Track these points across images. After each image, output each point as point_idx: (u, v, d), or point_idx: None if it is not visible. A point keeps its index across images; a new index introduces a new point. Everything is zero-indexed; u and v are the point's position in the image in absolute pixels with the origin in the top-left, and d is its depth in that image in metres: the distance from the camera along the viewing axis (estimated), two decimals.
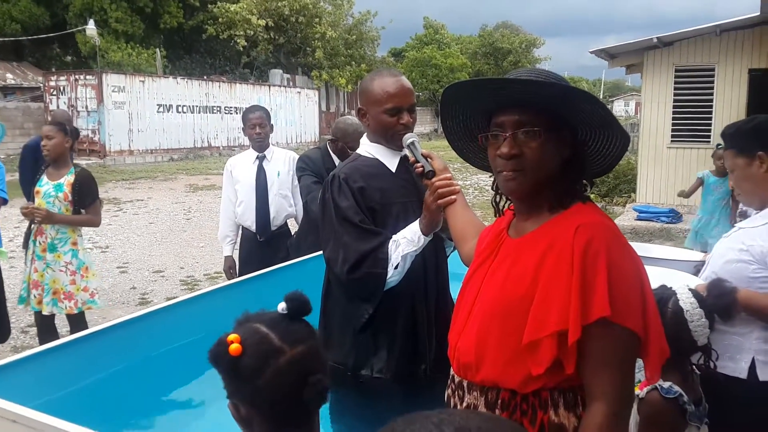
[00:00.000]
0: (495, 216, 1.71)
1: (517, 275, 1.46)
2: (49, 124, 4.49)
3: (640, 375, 1.82)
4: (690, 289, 2.08)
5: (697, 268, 2.87)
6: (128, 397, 2.65)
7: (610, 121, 1.45)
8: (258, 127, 4.60)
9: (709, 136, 10.57)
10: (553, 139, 1.45)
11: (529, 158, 1.44)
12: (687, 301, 2.04)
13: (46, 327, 4.48)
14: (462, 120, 1.65)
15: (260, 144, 4.65)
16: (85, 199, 4.44)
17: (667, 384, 1.98)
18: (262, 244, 4.64)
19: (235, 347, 1.25)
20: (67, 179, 4.39)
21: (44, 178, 4.43)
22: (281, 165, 4.71)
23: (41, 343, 4.25)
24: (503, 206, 1.66)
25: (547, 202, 1.49)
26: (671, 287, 2.09)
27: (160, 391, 2.78)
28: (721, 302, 2.08)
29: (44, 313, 4.41)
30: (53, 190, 4.37)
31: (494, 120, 1.50)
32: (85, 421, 1.81)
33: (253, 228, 4.64)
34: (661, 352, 1.41)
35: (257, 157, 4.67)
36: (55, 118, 7.03)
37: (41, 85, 23.74)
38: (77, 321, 4.46)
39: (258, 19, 31.59)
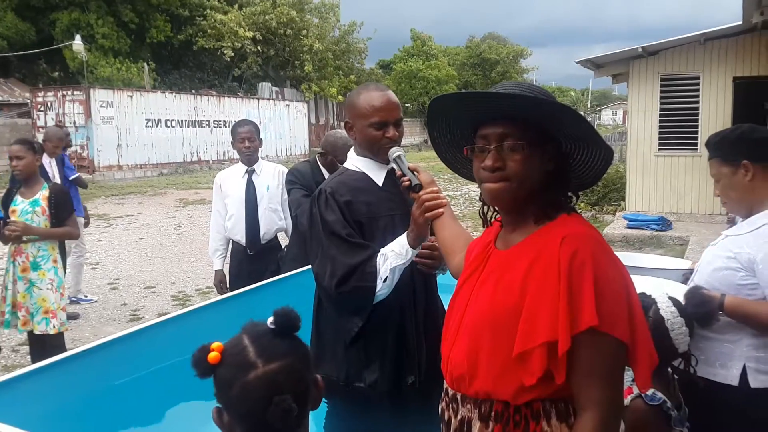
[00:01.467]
0: (483, 227, 1.73)
1: (505, 287, 1.47)
2: (16, 142, 4.44)
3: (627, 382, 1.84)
4: (669, 297, 2.11)
5: (685, 277, 2.90)
6: (120, 414, 2.64)
7: (592, 135, 1.47)
8: (247, 141, 4.61)
9: (696, 144, 10.66)
10: (537, 152, 1.47)
11: (513, 171, 1.46)
12: (667, 310, 2.07)
13: (39, 345, 4.45)
14: (448, 132, 1.68)
15: (249, 158, 4.66)
16: (63, 211, 4.45)
17: (650, 391, 2.00)
18: (252, 258, 4.64)
19: (213, 356, 1.26)
20: (42, 194, 4.40)
21: (18, 198, 4.41)
22: (270, 179, 4.72)
23: (33, 361, 4.23)
24: (491, 217, 1.68)
25: (533, 213, 1.51)
26: (650, 295, 2.12)
27: (153, 408, 2.77)
28: (701, 310, 2.11)
29: (36, 332, 4.38)
30: (30, 206, 4.36)
31: (479, 132, 1.52)
32: None
33: (243, 242, 4.64)
34: (650, 359, 1.43)
35: (246, 171, 4.68)
36: (48, 135, 7.01)
37: (29, 101, 23.65)
38: (59, 340, 4.44)
39: (246, 31, 31.68)
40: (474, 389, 1.49)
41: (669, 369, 2.13)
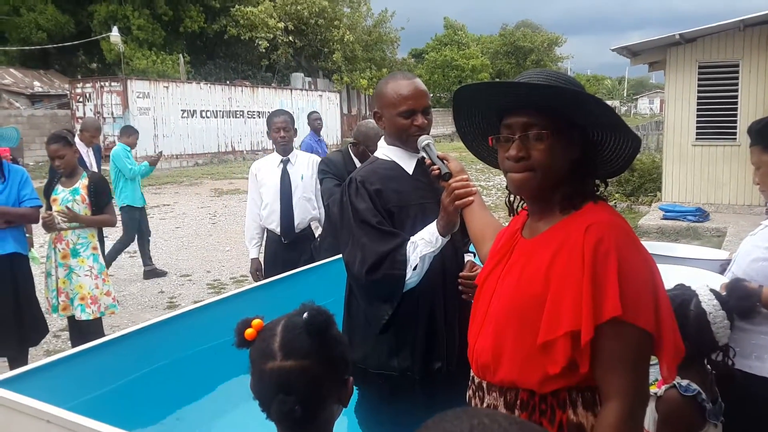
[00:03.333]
0: (509, 215, 1.73)
1: (530, 275, 1.47)
2: (51, 141, 4.52)
3: (657, 373, 1.83)
4: (711, 290, 2.08)
5: (722, 267, 2.85)
6: (158, 398, 2.71)
7: (618, 122, 1.46)
8: (282, 131, 4.66)
9: (734, 133, 10.42)
10: (562, 141, 1.47)
11: (537, 160, 1.46)
12: (710, 304, 2.04)
13: (78, 331, 4.58)
14: (474, 121, 1.68)
15: (284, 147, 4.71)
16: (102, 199, 4.60)
17: (685, 382, 1.98)
18: (286, 247, 4.70)
19: (249, 332, 1.29)
20: (82, 183, 4.54)
21: (59, 187, 4.55)
22: (305, 168, 4.76)
23: (73, 346, 4.35)
24: (518, 206, 1.68)
25: (559, 202, 1.51)
26: (691, 287, 2.09)
27: (189, 393, 2.83)
28: (744, 303, 2.07)
29: (77, 318, 4.51)
30: (70, 195, 4.50)
31: (504, 122, 1.52)
32: (116, 421, 1.86)
33: (278, 230, 4.70)
34: (675, 350, 1.42)
35: (281, 161, 4.73)
36: (85, 126, 7.20)
37: (68, 92, 24.13)
38: (96, 326, 4.55)
39: (277, 21, 31.81)
40: (499, 378, 1.50)
41: (705, 361, 2.10)
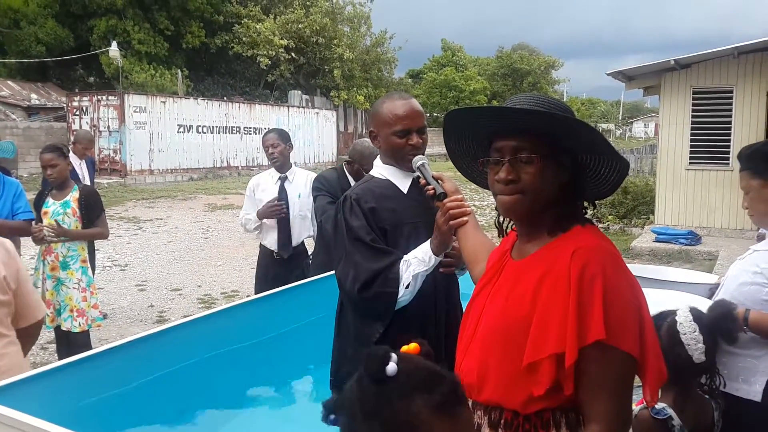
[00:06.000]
0: (499, 237, 1.74)
1: (518, 297, 1.48)
2: (46, 150, 4.54)
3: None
4: (690, 308, 2.09)
5: (711, 291, 2.86)
6: (146, 412, 2.69)
7: (606, 147, 1.48)
8: (270, 147, 4.71)
9: (728, 159, 10.50)
10: (552, 165, 1.48)
11: (526, 183, 1.47)
12: (682, 315, 2.05)
13: (65, 343, 4.55)
14: (465, 143, 1.69)
15: (276, 164, 4.75)
16: (93, 212, 4.58)
17: (660, 405, 1.98)
18: (279, 263, 4.70)
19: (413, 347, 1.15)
20: (73, 196, 4.53)
21: (49, 200, 4.54)
22: (302, 186, 4.78)
23: (60, 358, 4.31)
24: (507, 227, 1.69)
25: (547, 225, 1.52)
26: (673, 309, 2.11)
27: (178, 406, 2.81)
28: (722, 322, 2.08)
29: (63, 329, 4.48)
30: (61, 207, 4.48)
31: (494, 145, 1.54)
32: None
33: (275, 248, 4.69)
34: (659, 374, 1.43)
35: (279, 178, 4.74)
36: (78, 138, 7.19)
37: (65, 105, 24.19)
38: (84, 338, 4.52)
39: (280, 39, 32.04)
40: (484, 397, 1.50)
41: (692, 386, 2.10)
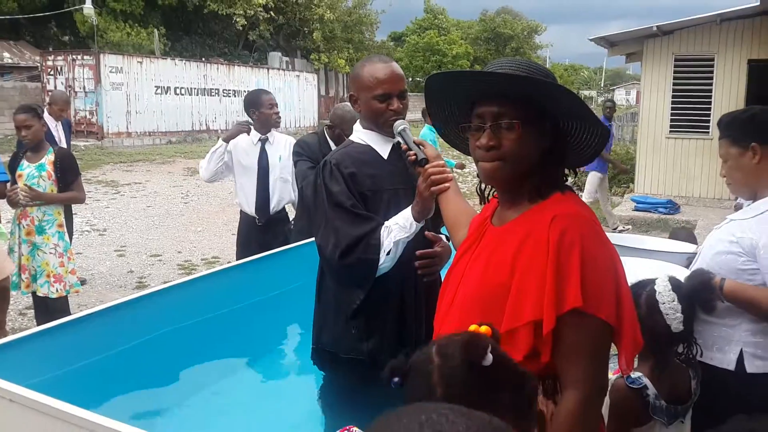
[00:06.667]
0: (480, 203, 1.73)
1: (497, 264, 1.49)
2: (20, 111, 4.44)
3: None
4: (669, 278, 2.11)
5: (689, 260, 2.90)
6: (124, 378, 2.68)
7: (586, 113, 1.48)
8: (275, 107, 4.64)
9: (708, 127, 10.56)
10: (533, 131, 1.47)
11: (507, 150, 1.47)
12: (661, 285, 2.07)
13: (44, 309, 4.51)
14: (446, 108, 1.68)
15: (278, 123, 4.71)
16: (68, 175, 4.49)
17: (636, 374, 2.01)
18: (261, 228, 4.65)
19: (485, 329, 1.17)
20: (48, 158, 4.44)
21: (24, 162, 4.44)
22: (282, 149, 4.71)
23: (39, 324, 4.28)
24: (488, 194, 1.69)
25: (527, 191, 1.52)
26: (652, 278, 2.12)
27: (156, 373, 2.81)
28: (700, 292, 2.10)
29: (39, 294, 4.44)
30: (36, 170, 4.39)
31: (475, 111, 1.52)
32: (81, 401, 1.84)
33: (252, 212, 4.64)
34: (634, 343, 1.45)
35: (260, 140, 4.66)
36: (53, 99, 7.03)
37: (38, 64, 23.60)
38: (62, 304, 4.48)
39: None
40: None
41: (669, 356, 2.13)
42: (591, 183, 9.39)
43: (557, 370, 1.43)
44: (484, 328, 1.15)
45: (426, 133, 7.13)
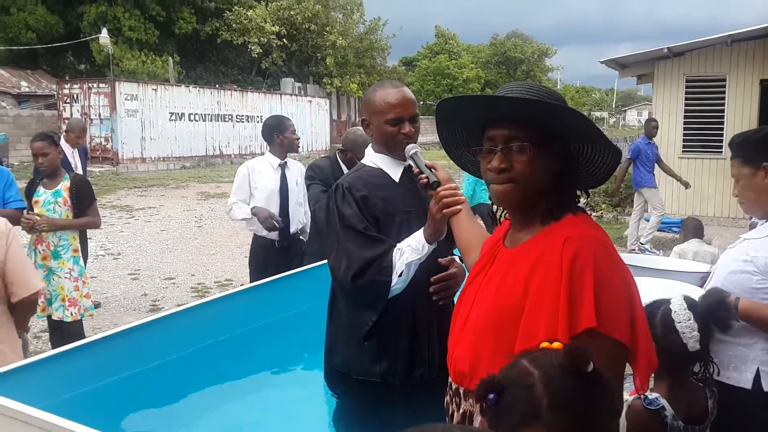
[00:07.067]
0: (492, 225, 1.74)
1: (510, 286, 1.49)
2: (37, 138, 4.51)
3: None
4: (684, 297, 2.10)
5: (703, 280, 2.88)
6: (138, 401, 2.69)
7: (597, 135, 1.48)
8: (296, 132, 4.75)
9: (720, 147, 10.54)
10: (544, 153, 1.48)
11: (519, 172, 1.48)
12: (676, 304, 2.06)
13: (58, 332, 4.54)
14: (457, 131, 1.69)
15: (297, 149, 4.81)
16: (84, 201, 4.56)
17: (654, 395, 1.99)
18: (278, 251, 4.66)
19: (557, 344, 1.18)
20: (64, 185, 4.50)
21: (41, 189, 4.51)
22: (297, 174, 4.78)
23: (54, 347, 4.31)
24: (500, 216, 1.69)
25: (540, 213, 1.52)
26: (667, 298, 2.11)
27: (170, 395, 2.81)
28: (716, 311, 2.09)
29: (54, 318, 4.47)
30: (52, 197, 4.45)
31: (486, 134, 1.54)
32: (95, 423, 1.85)
33: (274, 235, 4.65)
34: (649, 363, 1.43)
35: (279, 165, 4.70)
36: (70, 126, 7.14)
37: (55, 93, 24.00)
38: (77, 327, 4.51)
39: (271, 26, 31.84)
40: (476, 385, 1.51)
41: (686, 375, 2.11)
42: (654, 197, 9.46)
43: None
44: (556, 345, 1.16)
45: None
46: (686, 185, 9.62)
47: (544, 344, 1.17)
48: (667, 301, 2.09)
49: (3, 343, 2.80)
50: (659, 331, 1.97)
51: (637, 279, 1.53)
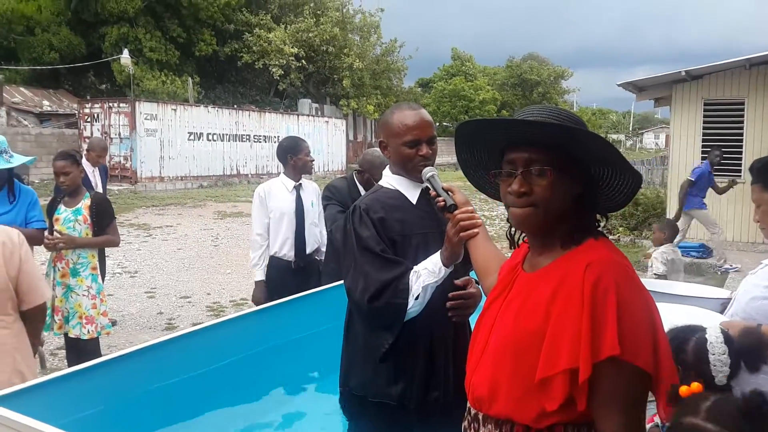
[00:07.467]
0: (510, 248, 1.73)
1: (530, 311, 1.47)
2: (59, 157, 4.57)
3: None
4: (722, 329, 2.05)
5: (724, 306, 2.84)
6: (152, 420, 2.69)
7: (619, 160, 1.47)
8: (311, 154, 4.77)
9: (739, 171, 10.45)
10: (565, 177, 1.47)
11: (539, 196, 1.47)
12: (713, 335, 2.02)
13: (75, 350, 4.56)
14: (476, 154, 1.69)
15: (311, 171, 4.85)
16: (103, 219, 4.60)
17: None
18: (295, 272, 4.67)
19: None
20: (84, 203, 4.55)
21: (61, 207, 4.57)
22: (313, 195, 4.79)
23: (70, 365, 4.33)
24: (518, 239, 1.69)
25: (560, 237, 1.51)
26: (702, 325, 2.07)
27: (185, 415, 2.81)
28: (755, 349, 2.04)
29: (71, 335, 4.50)
30: (72, 215, 4.51)
31: (506, 157, 1.53)
32: None
33: (291, 256, 4.66)
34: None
35: (294, 187, 4.72)
36: (92, 145, 7.23)
37: (76, 112, 24.38)
38: (93, 345, 4.53)
39: (290, 48, 32.21)
40: (495, 411, 1.49)
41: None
42: (706, 217, 9.58)
43: (593, 419, 1.40)
44: (695, 386, 1.17)
45: None
46: (734, 183, 9.77)
47: (684, 389, 1.16)
48: (703, 330, 2.04)
49: (16, 352, 2.90)
50: (690, 358, 1.94)
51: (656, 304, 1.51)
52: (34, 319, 3.06)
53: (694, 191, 9.47)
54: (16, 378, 2.86)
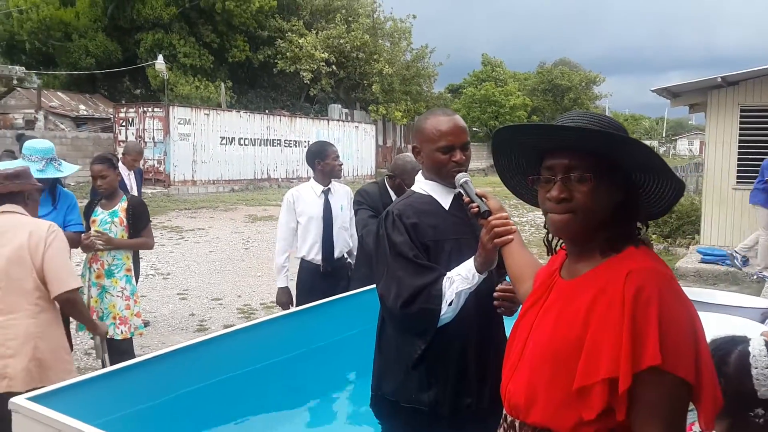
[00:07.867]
0: (547, 255, 1.70)
1: (569, 319, 1.45)
2: (96, 161, 4.65)
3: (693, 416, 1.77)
4: (766, 342, 2.00)
5: (764, 316, 2.78)
6: (184, 422, 2.71)
7: (661, 167, 1.44)
8: (339, 158, 4.78)
9: None
10: (605, 183, 1.45)
11: (579, 202, 1.44)
12: (757, 348, 1.96)
13: (110, 350, 4.62)
14: (514, 160, 1.67)
15: (340, 174, 4.86)
16: (139, 222, 4.68)
17: None
18: (324, 276, 4.68)
19: None
20: (121, 206, 4.63)
21: (98, 209, 4.65)
22: (343, 199, 4.80)
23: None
24: (556, 245, 1.66)
25: (599, 245, 1.48)
26: (746, 335, 2.02)
27: (217, 417, 2.83)
28: None
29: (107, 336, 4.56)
30: (109, 217, 4.59)
31: (545, 162, 1.51)
32: None
33: (319, 260, 4.68)
34: (714, 401, 1.37)
35: (323, 191, 4.74)
36: (128, 149, 7.36)
37: (111, 116, 24.86)
38: (127, 346, 4.60)
39: (321, 53, 32.45)
40: (532, 419, 1.47)
41: (749, 417, 2.01)
42: (764, 217, 9.40)
43: (632, 429, 1.37)
44: None
45: None
46: None
47: None
48: (746, 342, 1.99)
49: (39, 341, 3.05)
50: (731, 371, 1.89)
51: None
52: (63, 308, 3.21)
53: (761, 185, 9.39)
54: (33, 366, 2.97)
